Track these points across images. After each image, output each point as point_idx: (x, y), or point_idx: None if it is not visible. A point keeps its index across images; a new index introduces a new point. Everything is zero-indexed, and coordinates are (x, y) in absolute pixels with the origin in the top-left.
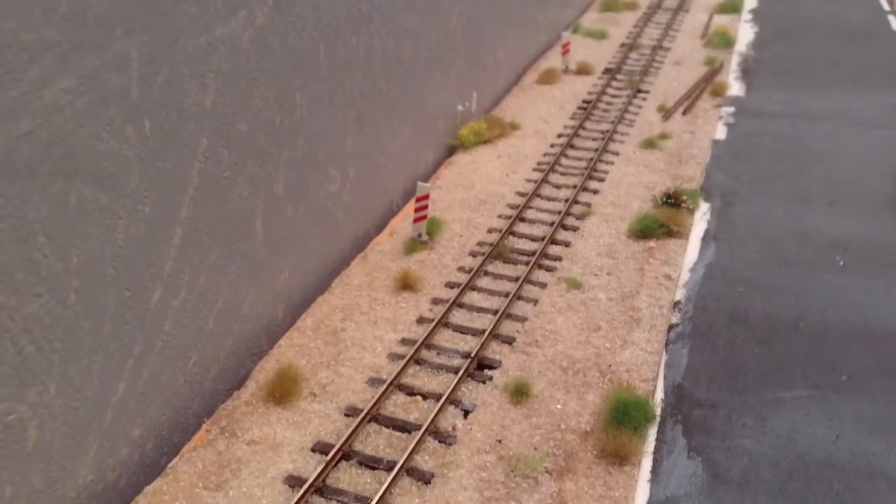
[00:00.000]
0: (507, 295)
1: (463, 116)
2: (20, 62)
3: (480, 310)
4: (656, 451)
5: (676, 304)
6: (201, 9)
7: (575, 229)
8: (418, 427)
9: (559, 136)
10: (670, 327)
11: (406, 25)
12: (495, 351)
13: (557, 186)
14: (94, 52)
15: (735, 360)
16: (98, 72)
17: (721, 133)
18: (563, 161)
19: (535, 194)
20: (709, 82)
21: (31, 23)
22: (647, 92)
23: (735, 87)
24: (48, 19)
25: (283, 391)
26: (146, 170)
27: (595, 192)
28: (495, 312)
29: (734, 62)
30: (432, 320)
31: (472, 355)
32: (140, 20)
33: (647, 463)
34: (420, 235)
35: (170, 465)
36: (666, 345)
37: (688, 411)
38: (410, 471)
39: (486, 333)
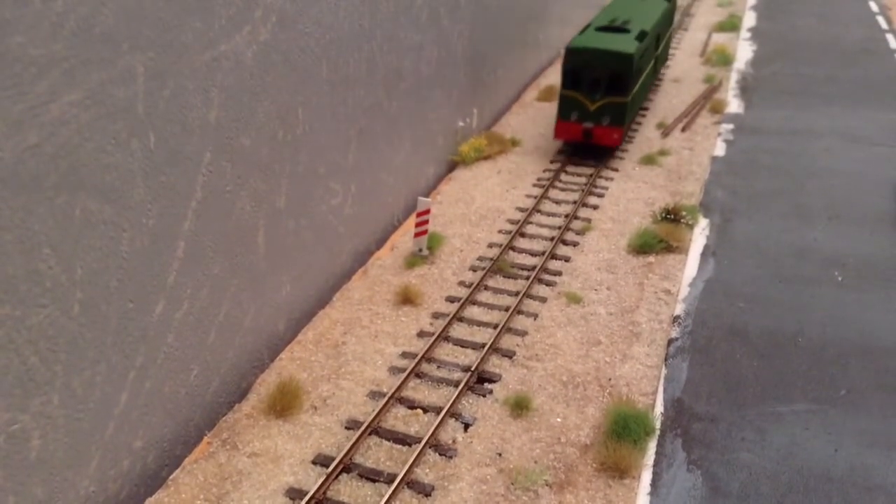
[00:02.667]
0: (507, 309)
1: (463, 132)
2: (28, 76)
3: (481, 324)
4: (656, 464)
5: (676, 318)
6: (206, 25)
7: (575, 244)
8: (419, 440)
9: (559, 152)
10: (670, 342)
11: (408, 43)
12: (495, 365)
13: (557, 202)
14: (100, 67)
15: (734, 375)
16: (104, 86)
17: (720, 150)
18: (563, 177)
19: (535, 210)
20: (708, 99)
21: (39, 38)
22: (647, 109)
23: (734, 105)
24: (56, 35)
25: (284, 404)
26: (150, 183)
27: (595, 207)
28: (495, 326)
29: (733, 80)
30: (433, 334)
31: (473, 369)
32: (146, 36)
33: (646, 476)
34: (421, 250)
35: (171, 477)
36: (665, 359)
37: (687, 425)
38: (411, 483)
39: (487, 347)
